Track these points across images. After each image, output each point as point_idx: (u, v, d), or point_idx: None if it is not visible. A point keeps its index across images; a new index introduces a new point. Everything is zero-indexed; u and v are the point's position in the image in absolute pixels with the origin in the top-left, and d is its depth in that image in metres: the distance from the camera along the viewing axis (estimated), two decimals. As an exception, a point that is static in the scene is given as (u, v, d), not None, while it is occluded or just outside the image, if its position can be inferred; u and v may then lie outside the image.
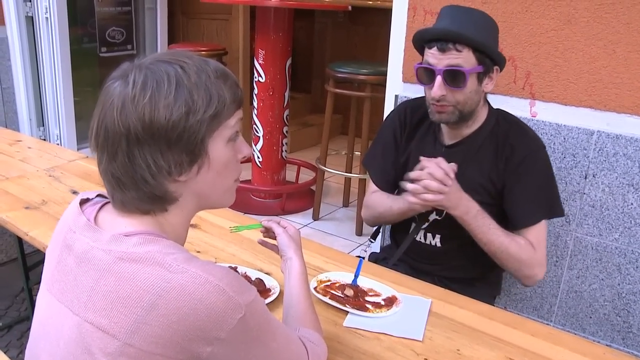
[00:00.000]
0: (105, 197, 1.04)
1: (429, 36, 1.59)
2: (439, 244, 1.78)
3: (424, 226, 1.79)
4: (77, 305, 0.90)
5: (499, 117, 1.73)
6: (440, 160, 1.57)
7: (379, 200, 1.85)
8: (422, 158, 1.59)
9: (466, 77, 1.56)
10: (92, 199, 1.04)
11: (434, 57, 1.58)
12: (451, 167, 1.56)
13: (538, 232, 1.67)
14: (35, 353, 0.98)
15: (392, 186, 1.88)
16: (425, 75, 1.62)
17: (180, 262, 0.86)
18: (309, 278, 1.19)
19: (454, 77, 1.56)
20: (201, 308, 0.83)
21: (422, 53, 1.66)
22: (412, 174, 1.57)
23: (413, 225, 1.82)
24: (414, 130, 1.83)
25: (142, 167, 0.89)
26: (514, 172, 1.66)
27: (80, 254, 0.92)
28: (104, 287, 0.87)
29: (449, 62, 1.55)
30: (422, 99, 1.73)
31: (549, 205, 1.70)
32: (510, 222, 1.69)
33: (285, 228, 1.31)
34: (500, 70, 1.67)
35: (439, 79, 1.57)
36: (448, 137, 1.75)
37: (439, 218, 1.75)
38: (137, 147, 0.88)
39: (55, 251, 0.99)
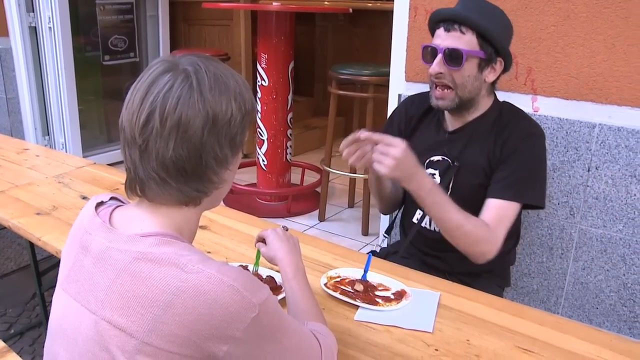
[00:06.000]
0: (119, 200, 1.07)
1: (438, 17, 1.68)
2: (437, 229, 1.78)
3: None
4: (93, 303, 0.91)
5: (504, 109, 1.78)
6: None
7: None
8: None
9: (463, 58, 1.61)
10: (106, 202, 1.06)
11: (439, 37, 1.66)
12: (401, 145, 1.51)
13: (502, 210, 1.64)
14: (53, 350, 1.00)
15: None
16: (430, 54, 1.69)
17: (195, 262, 0.88)
18: (319, 275, 1.19)
19: (452, 56, 1.63)
20: (216, 307, 0.85)
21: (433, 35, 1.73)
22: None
23: (420, 213, 1.85)
24: (419, 122, 1.88)
25: (210, 153, 0.93)
26: (508, 152, 1.68)
27: (97, 254, 0.94)
28: (121, 287, 0.89)
29: (451, 42, 1.63)
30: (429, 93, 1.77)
31: (524, 187, 1.66)
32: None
33: (268, 238, 1.33)
34: (507, 67, 1.70)
35: (439, 56, 1.64)
36: (451, 123, 1.80)
37: None
38: (209, 133, 0.92)
39: (72, 253, 1.01)
